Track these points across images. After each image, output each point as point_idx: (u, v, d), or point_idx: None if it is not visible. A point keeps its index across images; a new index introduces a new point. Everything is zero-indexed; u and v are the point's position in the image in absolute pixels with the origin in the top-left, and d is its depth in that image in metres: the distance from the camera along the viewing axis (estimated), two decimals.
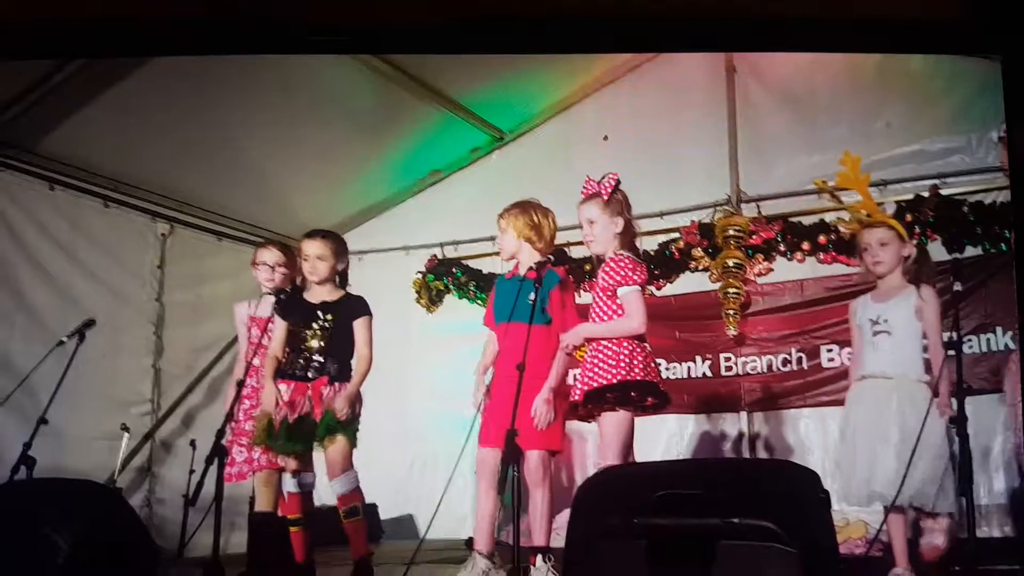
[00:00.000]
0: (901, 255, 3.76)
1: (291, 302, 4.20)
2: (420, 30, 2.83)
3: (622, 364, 3.57)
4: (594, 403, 3.61)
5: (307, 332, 4.08)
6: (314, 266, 4.13)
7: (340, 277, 4.24)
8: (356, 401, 4.03)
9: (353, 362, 4.08)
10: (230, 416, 3.91)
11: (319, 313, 4.11)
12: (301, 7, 2.79)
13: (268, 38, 2.92)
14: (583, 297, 6.00)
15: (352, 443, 4.00)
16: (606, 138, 6.53)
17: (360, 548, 4.00)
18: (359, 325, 4.10)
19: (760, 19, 2.79)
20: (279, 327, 4.15)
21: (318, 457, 4.09)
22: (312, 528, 4.13)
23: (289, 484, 4.07)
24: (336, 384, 4.01)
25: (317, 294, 4.18)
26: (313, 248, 4.14)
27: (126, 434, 5.69)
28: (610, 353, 3.61)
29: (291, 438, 3.96)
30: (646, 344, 3.68)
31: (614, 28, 2.91)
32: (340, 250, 4.20)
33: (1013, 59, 2.69)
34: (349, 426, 3.97)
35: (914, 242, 3.90)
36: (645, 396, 3.60)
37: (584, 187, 3.78)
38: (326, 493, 4.38)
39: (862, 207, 3.95)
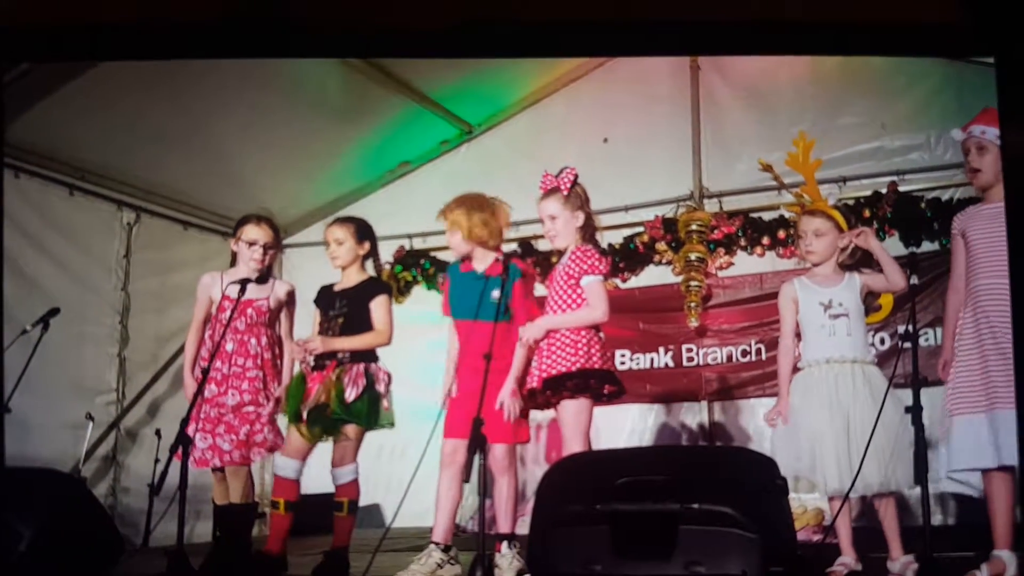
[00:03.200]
0: (837, 246, 3.68)
1: (321, 292, 4.19)
2: (413, 34, 2.87)
3: (580, 352, 3.60)
4: (552, 390, 3.63)
5: (326, 325, 4.07)
6: (335, 251, 4.10)
7: (369, 261, 4.21)
8: (373, 377, 4.02)
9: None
10: (194, 405, 3.87)
11: (337, 301, 4.09)
12: (301, 10, 2.81)
13: (270, 42, 2.94)
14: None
15: (363, 431, 4.00)
16: (606, 140, 6.58)
17: (340, 540, 4.03)
18: (376, 304, 4.07)
19: (756, 22, 2.84)
20: (316, 319, 4.14)
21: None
22: (295, 516, 4.06)
23: (284, 469, 4.02)
24: (346, 364, 3.98)
25: (343, 280, 4.16)
26: (333, 232, 4.11)
27: (91, 423, 5.67)
28: (568, 341, 3.63)
29: (310, 424, 3.95)
30: (601, 333, 3.71)
31: (607, 32, 2.95)
32: (362, 234, 4.14)
33: (1006, 62, 2.75)
34: (358, 411, 3.94)
35: (853, 232, 3.79)
36: (603, 384, 3.63)
37: (542, 182, 3.78)
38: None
39: (804, 191, 3.86)
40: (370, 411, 3.99)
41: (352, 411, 3.93)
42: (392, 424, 4.06)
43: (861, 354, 3.59)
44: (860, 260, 3.71)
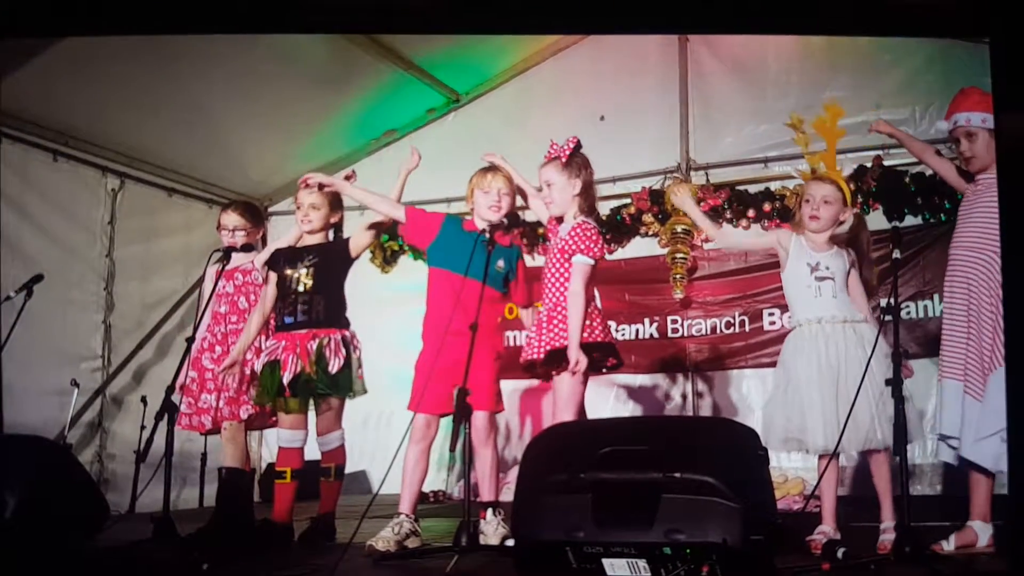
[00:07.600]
0: (839, 218, 3.69)
1: (279, 252, 4.15)
2: (404, 10, 2.85)
3: (584, 325, 3.61)
4: (556, 363, 3.63)
5: (295, 276, 4.01)
6: (307, 214, 4.04)
7: (335, 231, 4.16)
8: (350, 346, 3.98)
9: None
10: (179, 372, 3.88)
11: (303, 253, 4.04)
12: None
13: (262, 17, 2.91)
14: (535, 260, 6.11)
15: (344, 399, 4.00)
16: (602, 118, 6.55)
17: (326, 505, 4.07)
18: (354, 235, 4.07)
19: (749, 2, 2.83)
20: (269, 283, 4.09)
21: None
22: (299, 484, 4.05)
23: (287, 440, 4.01)
24: (322, 332, 3.94)
25: (307, 242, 4.11)
26: (308, 196, 4.05)
27: (76, 390, 5.67)
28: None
29: (288, 396, 3.93)
30: (598, 303, 3.76)
31: (601, 9, 2.94)
32: (335, 201, 4.11)
33: (1001, 43, 2.74)
34: (342, 383, 3.93)
35: (854, 211, 3.85)
36: (606, 357, 3.66)
37: (548, 151, 3.78)
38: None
39: (821, 158, 3.88)
40: (352, 381, 3.98)
41: (337, 383, 3.93)
42: (365, 391, 4.05)
43: (851, 314, 3.59)
44: (850, 241, 3.73)
